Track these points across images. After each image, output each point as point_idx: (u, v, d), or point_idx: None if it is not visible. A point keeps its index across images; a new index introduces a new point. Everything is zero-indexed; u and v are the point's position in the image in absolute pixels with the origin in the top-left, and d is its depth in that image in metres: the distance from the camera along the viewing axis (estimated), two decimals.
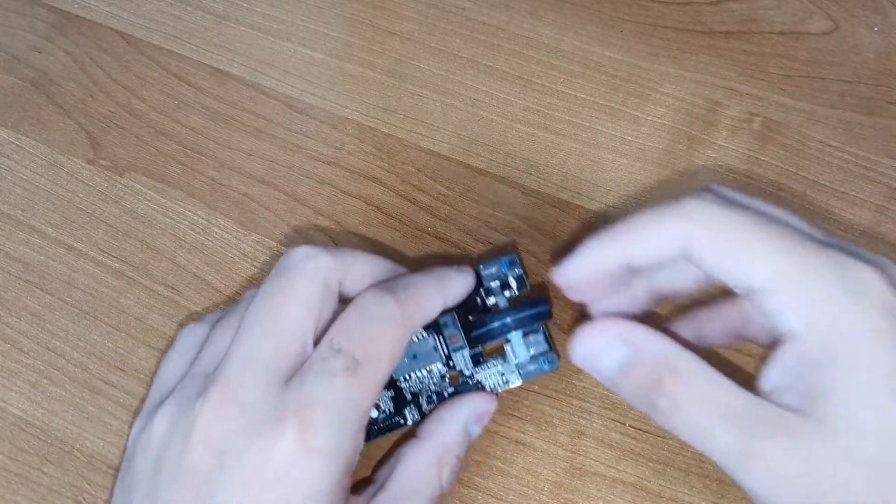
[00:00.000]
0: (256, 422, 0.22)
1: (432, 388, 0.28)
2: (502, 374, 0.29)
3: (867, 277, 0.22)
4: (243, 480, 0.21)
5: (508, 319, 0.28)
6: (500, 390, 0.29)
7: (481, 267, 0.29)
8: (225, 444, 0.21)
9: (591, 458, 0.29)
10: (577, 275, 0.25)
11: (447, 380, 0.28)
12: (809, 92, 0.37)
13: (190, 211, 0.34)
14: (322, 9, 0.41)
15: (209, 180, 0.35)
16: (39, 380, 0.30)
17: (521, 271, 0.29)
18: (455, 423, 0.26)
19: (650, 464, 0.29)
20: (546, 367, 0.29)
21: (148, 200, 0.34)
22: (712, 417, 0.22)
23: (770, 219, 0.23)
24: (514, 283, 0.29)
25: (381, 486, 0.24)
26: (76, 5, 0.41)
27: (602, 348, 0.25)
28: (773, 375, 0.23)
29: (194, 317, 0.32)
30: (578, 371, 0.31)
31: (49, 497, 0.27)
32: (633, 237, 0.24)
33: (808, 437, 0.21)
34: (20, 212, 0.34)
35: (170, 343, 0.31)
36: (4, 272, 0.32)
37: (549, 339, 0.29)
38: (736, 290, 0.23)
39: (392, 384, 0.28)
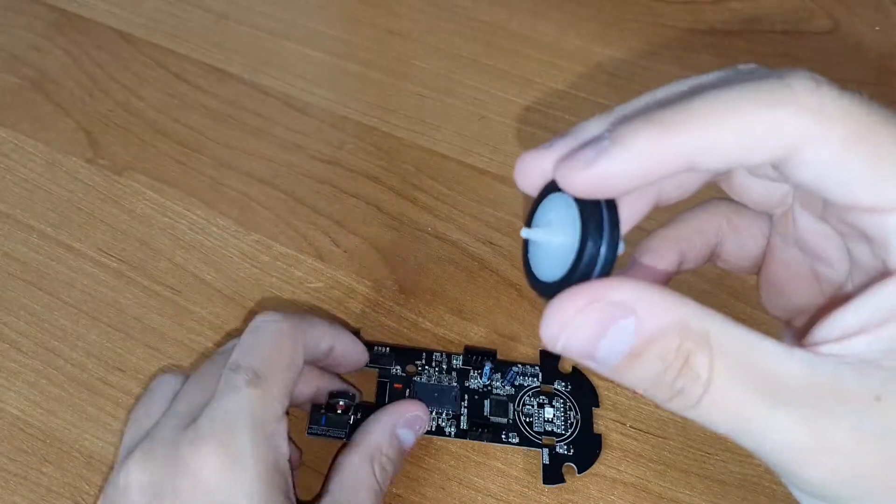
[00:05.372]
0: (179, 455, 0.23)
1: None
2: None
3: None
4: None
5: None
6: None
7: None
8: (155, 487, 0.23)
9: None
10: (620, 174, 0.17)
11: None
12: None
13: (189, 210, 0.34)
14: (322, 8, 0.41)
15: (208, 179, 0.35)
16: (38, 380, 0.29)
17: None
18: (381, 426, 0.27)
19: (651, 464, 0.29)
20: None
21: (147, 200, 0.34)
22: (765, 401, 0.16)
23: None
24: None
25: (327, 491, 0.26)
26: (75, 4, 0.41)
27: (593, 328, 0.17)
28: (849, 319, 0.17)
29: (167, 369, 0.31)
30: None
31: (48, 497, 0.27)
32: (714, 125, 0.16)
33: None
34: (19, 211, 0.34)
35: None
36: (3, 272, 0.32)
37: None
38: (842, 208, 0.17)
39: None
